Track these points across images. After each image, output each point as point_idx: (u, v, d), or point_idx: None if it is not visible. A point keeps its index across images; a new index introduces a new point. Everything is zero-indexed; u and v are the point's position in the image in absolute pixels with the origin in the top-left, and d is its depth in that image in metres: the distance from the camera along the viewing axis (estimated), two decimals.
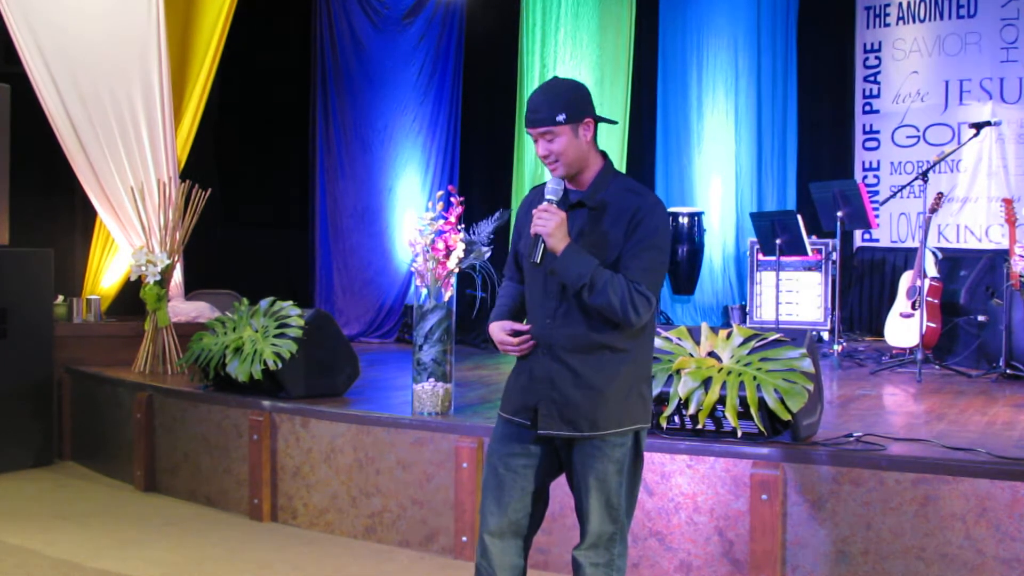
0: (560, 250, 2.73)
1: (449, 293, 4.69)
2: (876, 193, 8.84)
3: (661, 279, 2.82)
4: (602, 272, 2.71)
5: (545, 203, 2.78)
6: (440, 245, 4.61)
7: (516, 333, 2.87)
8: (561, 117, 2.74)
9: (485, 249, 7.33)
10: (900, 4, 8.89)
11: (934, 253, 7.31)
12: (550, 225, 2.73)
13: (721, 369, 3.97)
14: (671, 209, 9.36)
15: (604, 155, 2.88)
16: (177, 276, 6.88)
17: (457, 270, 4.71)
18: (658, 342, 4.13)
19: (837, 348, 7.01)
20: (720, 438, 3.98)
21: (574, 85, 2.83)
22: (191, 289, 7.38)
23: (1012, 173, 8.24)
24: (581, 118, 2.77)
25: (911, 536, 3.61)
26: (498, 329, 2.90)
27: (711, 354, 4.07)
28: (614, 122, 3.04)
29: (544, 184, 2.96)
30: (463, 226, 4.80)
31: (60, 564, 4.35)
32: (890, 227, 8.92)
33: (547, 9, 9.29)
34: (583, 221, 2.80)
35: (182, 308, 6.89)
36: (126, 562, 4.39)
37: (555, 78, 2.88)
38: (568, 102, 2.76)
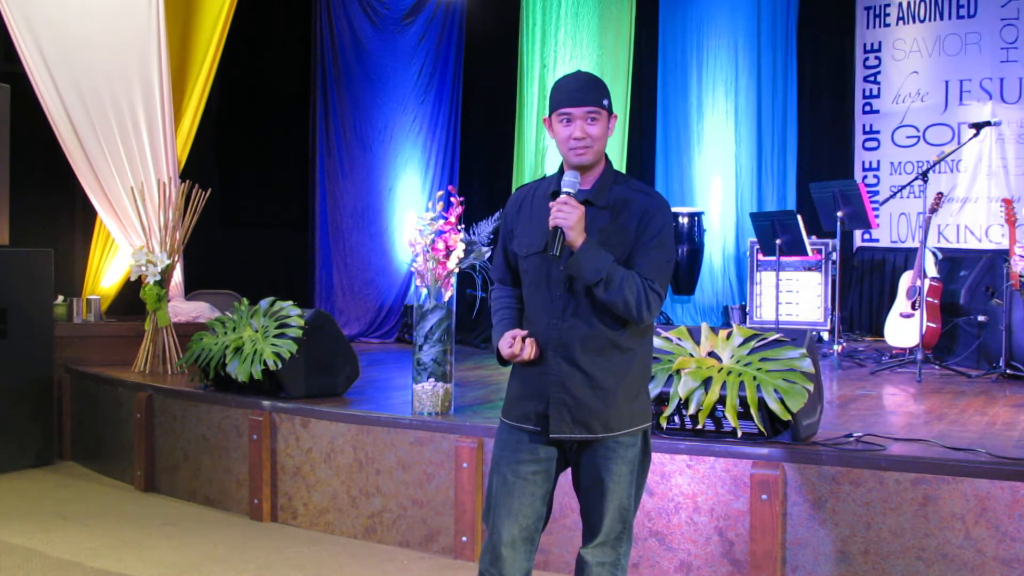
0: (579, 244, 2.68)
1: (449, 293, 4.69)
2: (876, 193, 8.84)
3: (669, 277, 2.82)
4: (618, 269, 2.69)
5: (564, 196, 2.71)
6: (440, 245, 4.60)
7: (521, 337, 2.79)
8: (606, 102, 2.76)
9: (485, 249, 7.34)
10: (900, 4, 8.89)
11: (934, 253, 7.32)
12: (571, 218, 2.67)
13: (721, 369, 3.97)
14: (671, 209, 9.36)
15: (606, 155, 2.89)
16: (177, 276, 6.88)
17: (457, 270, 4.71)
18: (658, 342, 4.13)
19: (837, 348, 7.01)
20: (720, 438, 3.98)
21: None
22: (191, 289, 7.38)
23: (1012, 173, 8.25)
24: (611, 112, 2.80)
25: (911, 536, 3.61)
26: (504, 344, 2.80)
27: (711, 354, 4.07)
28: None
29: (534, 182, 2.95)
30: (463, 226, 4.79)
31: (60, 564, 4.35)
32: (890, 227, 8.92)
33: (547, 9, 9.29)
34: (590, 219, 2.76)
35: (182, 308, 6.89)
36: (126, 562, 4.39)
37: (585, 71, 2.86)
38: (608, 93, 2.79)
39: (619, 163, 9.50)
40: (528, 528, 2.83)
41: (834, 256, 8.06)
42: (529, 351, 2.77)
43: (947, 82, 8.60)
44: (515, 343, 2.77)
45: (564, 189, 2.73)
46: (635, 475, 2.83)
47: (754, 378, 3.87)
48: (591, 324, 2.74)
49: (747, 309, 8.67)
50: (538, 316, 2.80)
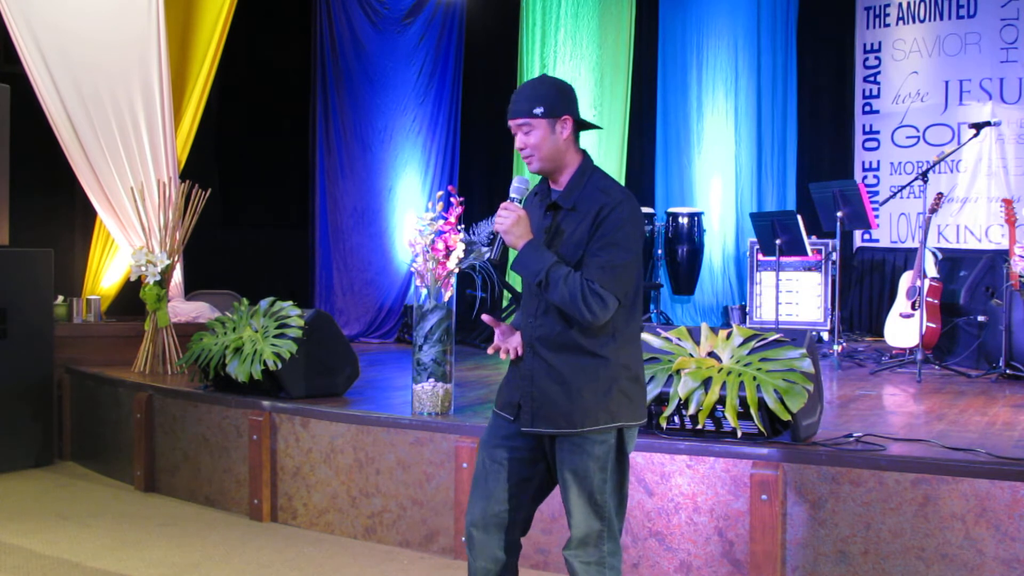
0: (519, 247, 2.80)
1: (449, 293, 4.69)
2: (876, 193, 8.84)
3: (624, 277, 2.77)
4: (559, 268, 2.74)
5: (507, 201, 2.83)
6: (440, 245, 4.61)
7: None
8: (539, 110, 2.79)
9: (485, 249, 7.34)
10: (900, 4, 8.89)
11: (934, 253, 7.31)
12: (507, 222, 2.79)
13: (721, 369, 3.97)
14: (671, 209, 9.37)
15: (584, 154, 2.90)
16: (177, 276, 6.88)
17: (457, 270, 4.71)
18: (658, 342, 4.13)
19: (837, 348, 7.01)
20: (720, 438, 3.98)
21: (558, 83, 2.88)
22: (191, 289, 7.38)
23: (1012, 173, 8.25)
24: (559, 115, 2.81)
25: (911, 536, 3.61)
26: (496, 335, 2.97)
27: (711, 354, 4.07)
28: (598, 127, 3.09)
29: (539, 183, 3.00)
30: (463, 226, 4.79)
31: (60, 564, 4.35)
32: (890, 227, 8.92)
33: (547, 9, 9.29)
34: (557, 221, 2.84)
35: (182, 308, 6.89)
36: (126, 562, 4.39)
37: (543, 75, 2.92)
38: (548, 97, 2.81)
39: (619, 163, 9.51)
40: (499, 514, 2.88)
41: (834, 256, 8.06)
42: (505, 348, 2.91)
43: (947, 82, 8.60)
44: (500, 339, 2.93)
45: (511, 195, 2.85)
46: (609, 473, 2.83)
47: (754, 378, 3.87)
48: (562, 323, 2.80)
49: (747, 309, 8.67)
50: (523, 313, 2.93)
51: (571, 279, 2.72)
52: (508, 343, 2.91)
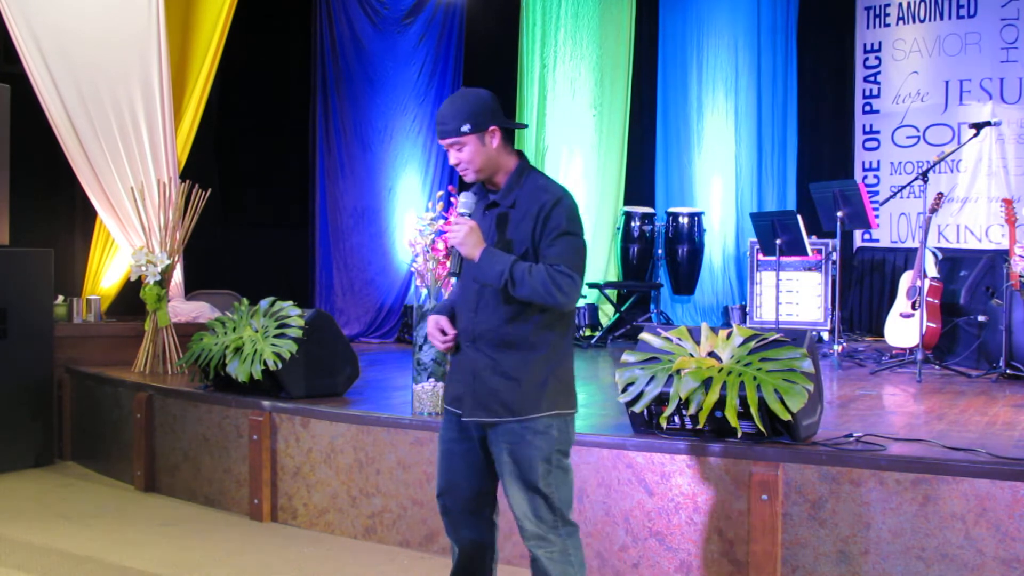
0: (476, 256, 2.91)
1: (449, 293, 4.69)
2: (876, 193, 8.85)
3: (581, 258, 2.94)
4: (520, 264, 2.86)
5: (456, 215, 2.96)
6: (440, 245, 4.61)
7: (446, 332, 3.06)
8: (466, 128, 2.93)
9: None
10: (900, 4, 8.90)
11: (934, 253, 7.32)
12: (460, 235, 2.91)
13: (721, 369, 3.97)
14: (671, 209, 9.38)
15: (519, 155, 3.04)
16: (177, 276, 6.88)
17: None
18: (658, 342, 4.13)
19: (837, 348, 7.01)
20: (720, 438, 3.98)
21: (479, 95, 2.99)
22: (191, 289, 7.38)
23: (1012, 173, 8.25)
24: (485, 127, 2.94)
25: (911, 536, 3.61)
26: (432, 323, 3.08)
27: (711, 354, 4.07)
28: (524, 126, 3.47)
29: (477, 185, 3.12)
30: None
31: (61, 564, 4.35)
32: (890, 227, 8.92)
33: (547, 9, 9.30)
34: (498, 220, 2.97)
35: (182, 308, 6.89)
36: (127, 562, 4.39)
37: (463, 88, 3.05)
38: (472, 113, 2.93)
39: (619, 163, 9.53)
40: (467, 500, 3.08)
41: (834, 256, 8.06)
42: (440, 341, 3.04)
43: (947, 82, 8.60)
44: (439, 337, 3.05)
45: (459, 210, 2.98)
46: (554, 463, 2.94)
47: (754, 378, 3.87)
48: (497, 318, 2.93)
49: (747, 309, 8.67)
50: (461, 309, 3.05)
51: (535, 270, 2.84)
52: (438, 340, 3.03)
